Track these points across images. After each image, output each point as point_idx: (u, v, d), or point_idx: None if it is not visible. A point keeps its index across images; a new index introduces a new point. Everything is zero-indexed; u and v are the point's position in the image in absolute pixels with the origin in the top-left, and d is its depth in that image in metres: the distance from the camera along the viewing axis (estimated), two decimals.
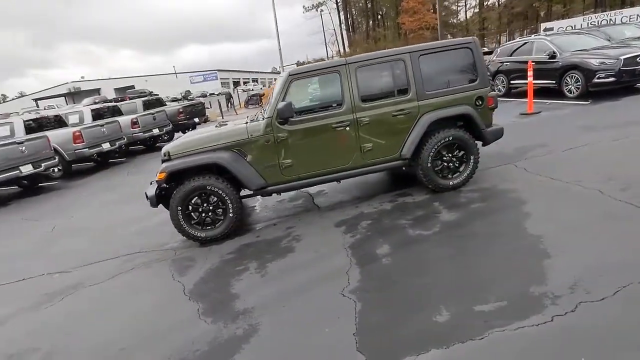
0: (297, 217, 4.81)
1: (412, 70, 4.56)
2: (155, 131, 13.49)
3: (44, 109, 38.93)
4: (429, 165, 4.64)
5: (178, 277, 3.74)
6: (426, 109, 4.60)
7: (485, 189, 4.69)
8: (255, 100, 31.38)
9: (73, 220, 6.46)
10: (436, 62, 4.67)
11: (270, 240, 4.26)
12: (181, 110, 15.32)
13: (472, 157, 4.76)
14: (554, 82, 10.40)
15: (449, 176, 4.80)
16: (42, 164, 9.33)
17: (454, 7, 41.74)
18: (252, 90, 43.77)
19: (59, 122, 11.82)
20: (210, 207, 4.36)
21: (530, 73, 9.08)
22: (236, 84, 57.31)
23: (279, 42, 31.94)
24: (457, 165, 4.80)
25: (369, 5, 43.63)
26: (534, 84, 11.28)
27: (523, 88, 12.19)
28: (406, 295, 2.86)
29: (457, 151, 4.75)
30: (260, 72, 66.58)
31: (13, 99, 63.41)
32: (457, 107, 4.65)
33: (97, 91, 53.58)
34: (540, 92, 11.16)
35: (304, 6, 47.84)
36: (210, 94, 48.46)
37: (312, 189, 5.74)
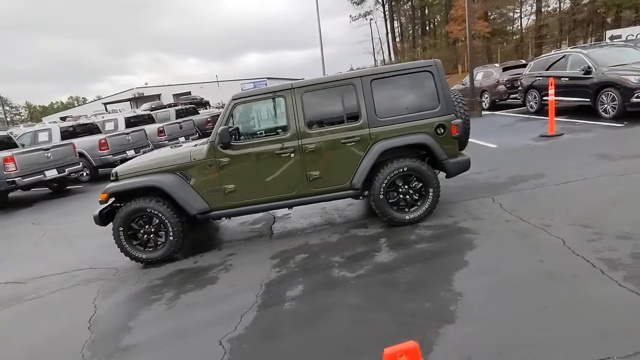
0: (245, 244, 4.68)
1: (363, 96, 4.27)
2: (181, 139, 14.04)
3: (109, 112, 42.38)
4: (382, 197, 4.30)
5: (99, 300, 3.76)
6: (378, 136, 4.28)
7: (443, 226, 4.26)
8: None
9: (69, 226, 6.82)
10: (391, 87, 4.35)
11: (203, 267, 4.17)
12: (209, 119, 15.85)
13: (430, 190, 4.35)
14: (588, 100, 9.38)
15: (406, 210, 4.42)
16: (67, 169, 10.04)
17: (510, 14, 39.48)
18: None
19: (91, 129, 12.78)
20: (152, 230, 4.37)
21: (551, 91, 8.23)
22: None
23: (322, 52, 32.14)
24: (415, 198, 4.41)
25: (418, 14, 42.58)
26: (567, 101, 10.34)
27: (556, 105, 11.18)
28: (279, 354, 2.62)
29: (415, 183, 4.37)
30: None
31: (91, 102, 69.77)
32: (413, 136, 4.28)
33: (157, 96, 57.45)
34: (576, 111, 10.15)
35: (350, 15, 47.78)
36: None
37: (279, 211, 5.59)
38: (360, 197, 4.59)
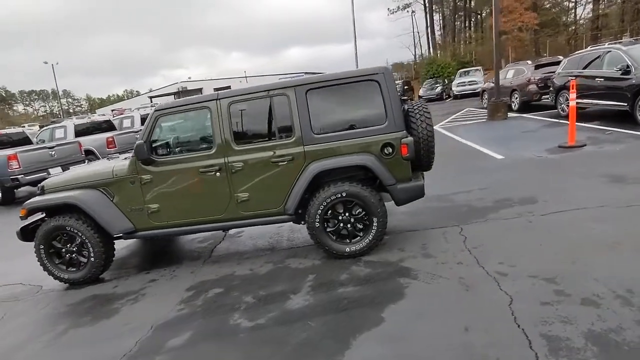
0: (175, 268, 4.28)
1: (297, 109, 3.69)
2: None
3: (152, 105, 44.07)
4: (317, 224, 3.73)
5: None
6: (314, 156, 3.70)
7: (386, 263, 3.61)
8: None
9: None
10: (331, 98, 3.74)
11: (117, 295, 3.82)
12: None
13: (374, 219, 3.70)
14: (625, 104, 8.10)
15: (347, 241, 3.81)
16: (70, 167, 10.22)
17: (565, 3, 36.24)
18: None
19: (106, 127, 13.02)
20: (74, 249, 4.09)
21: (572, 95, 7.12)
22: None
23: (355, 47, 31.26)
24: (360, 227, 3.79)
25: (461, 5, 40.18)
26: (602, 105, 9.04)
27: (590, 109, 9.86)
28: None
29: (358, 210, 3.74)
30: None
31: (137, 96, 73.25)
32: (353, 156, 3.65)
33: (199, 90, 59.11)
34: (614, 118, 8.85)
35: (388, 8, 45.96)
36: None
37: (233, 230, 5.15)
38: (302, 223, 4.02)
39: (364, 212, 3.72)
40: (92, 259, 4.04)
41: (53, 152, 9.96)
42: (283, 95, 3.71)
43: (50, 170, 9.71)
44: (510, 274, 3.10)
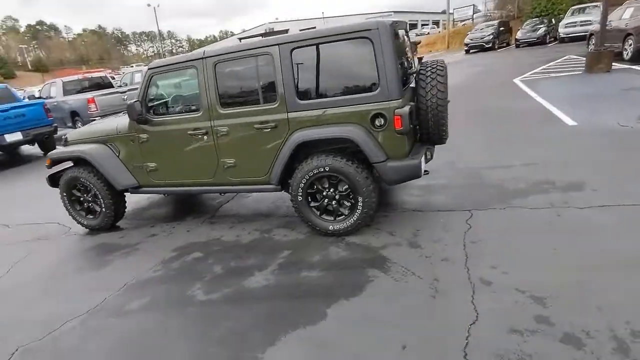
0: (177, 224, 4.41)
1: (280, 70, 3.31)
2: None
3: None
4: (300, 198, 3.48)
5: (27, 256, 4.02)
6: (298, 125, 3.35)
7: (366, 248, 3.27)
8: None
9: None
10: (318, 59, 3.26)
11: (117, 245, 4.07)
12: None
13: (359, 198, 3.32)
14: None
15: (331, 218, 3.51)
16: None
17: None
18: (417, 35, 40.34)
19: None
20: (89, 199, 4.41)
21: None
22: (413, 26, 53.51)
23: None
24: (347, 205, 3.45)
25: None
26: None
27: None
28: None
29: (344, 187, 3.38)
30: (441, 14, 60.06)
31: (233, 35, 75.44)
32: (338, 127, 3.22)
33: (285, 31, 58.75)
34: None
35: None
36: None
37: None
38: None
39: (349, 190, 3.36)
40: (103, 209, 4.35)
41: (125, 97, 10.78)
42: (267, 55, 3.33)
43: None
44: (495, 283, 2.58)
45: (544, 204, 3.54)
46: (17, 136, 9.00)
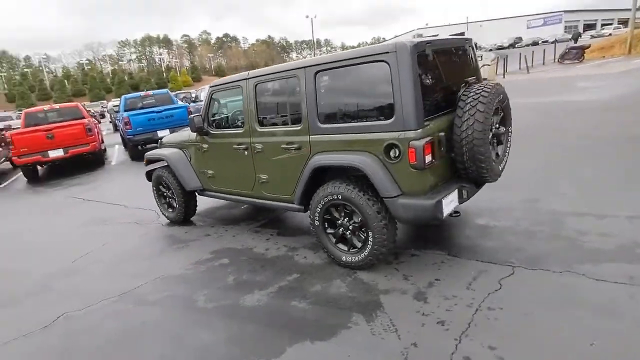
0: (233, 227, 4.76)
1: (305, 93, 3.26)
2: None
3: None
4: (317, 223, 3.39)
5: (112, 238, 4.92)
6: (318, 148, 3.26)
7: (368, 290, 2.99)
8: (575, 54, 24.64)
9: None
10: (339, 83, 3.11)
11: (178, 239, 4.61)
12: None
13: (370, 233, 3.05)
14: None
15: (344, 248, 3.32)
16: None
17: None
18: (576, 39, 34.14)
19: None
20: (170, 194, 5.12)
21: None
22: (590, 27, 45.30)
23: None
24: (362, 237, 3.22)
25: None
26: None
27: None
28: None
29: (358, 218, 3.16)
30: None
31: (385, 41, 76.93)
32: (350, 155, 3.02)
33: (434, 37, 56.83)
34: None
35: None
36: (543, 42, 41.63)
37: None
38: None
39: (362, 222, 3.12)
40: (176, 206, 5.00)
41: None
42: (294, 77, 3.34)
43: None
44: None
45: (619, 277, 2.66)
46: (166, 133, 11.00)
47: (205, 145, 4.42)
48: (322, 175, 3.35)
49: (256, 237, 4.36)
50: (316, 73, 3.19)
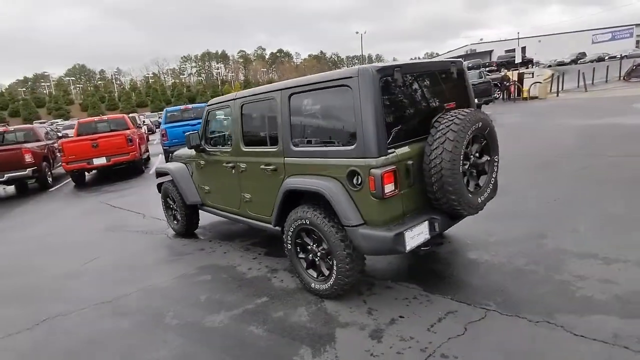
0: (228, 243, 4.81)
1: (280, 115, 3.25)
2: None
3: None
4: (289, 246, 3.33)
5: (125, 243, 5.16)
6: (292, 170, 3.22)
7: (323, 322, 2.86)
8: None
9: None
10: (310, 106, 3.06)
11: (176, 251, 4.74)
12: None
13: (334, 261, 2.93)
14: None
15: (314, 275, 3.21)
16: None
17: None
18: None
19: None
20: (175, 208, 5.28)
21: None
22: None
23: None
24: (328, 263, 3.11)
25: None
26: None
27: None
28: None
29: (325, 245, 3.06)
30: None
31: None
32: (316, 179, 2.94)
33: (488, 53, 54.91)
34: None
35: None
36: (610, 57, 38.69)
37: None
38: None
39: (327, 249, 3.01)
40: (180, 219, 5.15)
41: None
42: (273, 100, 3.34)
43: None
44: None
45: (601, 334, 2.33)
46: None
47: (202, 162, 4.53)
48: (299, 198, 3.30)
49: (244, 255, 4.36)
50: (290, 95, 3.17)
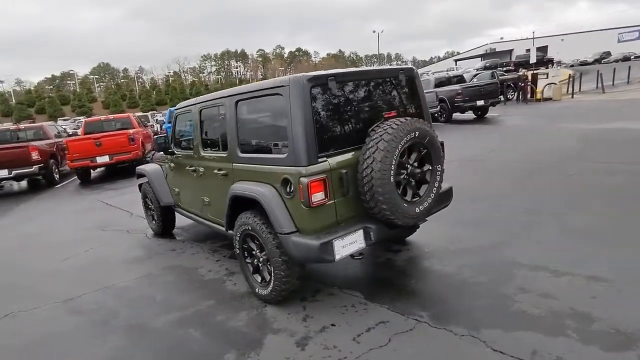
0: (199, 245, 4.89)
1: (228, 121, 3.30)
2: None
3: (455, 69, 44.11)
4: (238, 251, 3.38)
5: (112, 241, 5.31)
6: (238, 175, 3.26)
7: (261, 325, 2.89)
8: None
9: None
10: (253, 113, 3.11)
11: (151, 251, 4.86)
12: (460, 91, 14.10)
13: (272, 268, 2.96)
14: None
15: (258, 280, 3.25)
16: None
17: None
18: None
19: (456, 81, 15.28)
20: (152, 207, 5.40)
21: None
22: None
23: None
24: (269, 269, 3.14)
25: None
26: None
27: None
28: None
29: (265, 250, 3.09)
30: None
31: (443, 59, 74.46)
32: (254, 186, 2.98)
33: (508, 52, 53.61)
34: None
35: None
36: (636, 57, 37.29)
37: None
38: None
39: (267, 255, 3.04)
40: (156, 219, 5.27)
41: None
42: (222, 105, 3.39)
43: None
44: None
45: (521, 350, 2.28)
46: None
47: (172, 164, 4.63)
48: (247, 204, 3.32)
49: (210, 257, 4.43)
50: (236, 102, 3.21)
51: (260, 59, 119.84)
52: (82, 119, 43.35)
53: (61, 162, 11.95)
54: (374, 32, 56.90)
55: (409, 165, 2.86)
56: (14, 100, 66.97)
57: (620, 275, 2.96)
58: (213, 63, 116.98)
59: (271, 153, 2.92)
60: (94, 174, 11.80)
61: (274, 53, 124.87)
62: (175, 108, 4.53)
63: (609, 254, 3.34)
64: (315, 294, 3.26)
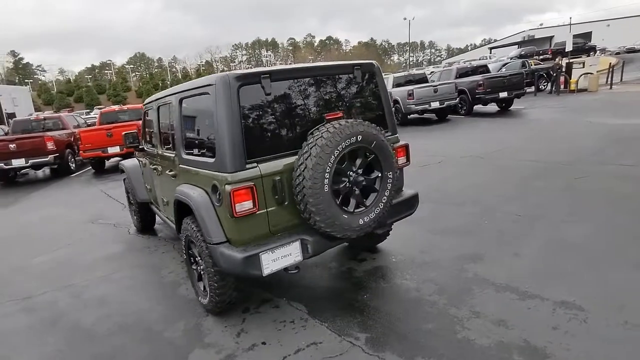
0: (176, 243, 4.81)
1: (175, 119, 3.12)
2: (434, 104, 12.89)
3: (490, 57, 42.18)
4: (185, 257, 3.23)
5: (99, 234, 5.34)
6: (183, 177, 3.10)
7: (195, 338, 2.73)
8: None
9: None
10: (192, 113, 2.91)
11: (132, 248, 4.82)
12: (481, 82, 13.33)
13: (206, 278, 2.79)
14: None
15: (201, 288, 3.09)
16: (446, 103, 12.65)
17: None
18: None
19: (481, 71, 14.71)
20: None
21: None
22: None
23: None
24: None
25: None
26: None
27: None
28: None
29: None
30: None
31: (479, 46, 71.22)
32: (189, 190, 2.80)
33: (549, 39, 50.66)
34: None
35: None
36: None
37: None
38: None
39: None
40: (135, 215, 5.23)
41: (436, 89, 12.51)
42: (170, 103, 3.22)
43: (431, 103, 12.47)
44: None
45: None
46: None
47: (144, 160, 4.54)
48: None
49: (177, 257, 4.32)
50: (180, 100, 3.03)
51: (290, 48, 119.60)
52: (117, 107, 45.04)
53: (78, 152, 12.33)
54: (405, 19, 55.31)
55: (351, 173, 2.58)
56: (55, 90, 70.20)
57: (597, 304, 2.58)
58: (244, 52, 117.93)
59: (204, 156, 2.73)
60: (108, 163, 12.06)
61: (305, 41, 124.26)
62: (144, 103, 4.42)
63: (594, 276, 2.94)
64: (260, 305, 3.07)
